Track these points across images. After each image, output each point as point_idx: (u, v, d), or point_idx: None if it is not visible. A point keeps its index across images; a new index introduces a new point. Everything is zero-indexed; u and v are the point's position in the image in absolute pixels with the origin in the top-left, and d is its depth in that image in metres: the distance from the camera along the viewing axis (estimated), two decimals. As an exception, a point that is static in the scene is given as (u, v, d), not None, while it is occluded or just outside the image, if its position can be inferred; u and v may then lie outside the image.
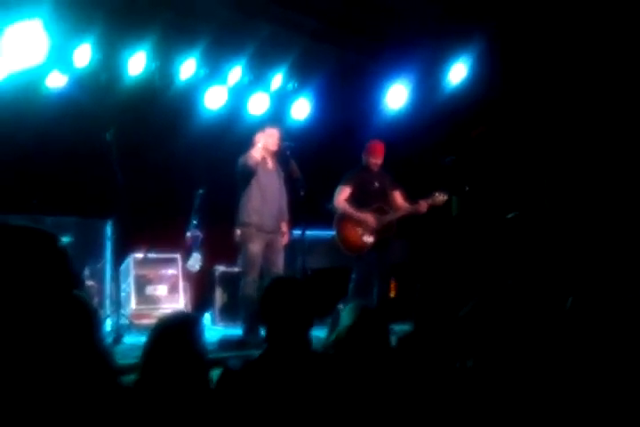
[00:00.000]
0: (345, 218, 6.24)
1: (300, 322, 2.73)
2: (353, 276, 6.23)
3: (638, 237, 5.96)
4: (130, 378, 2.99)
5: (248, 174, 5.71)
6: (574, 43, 6.44)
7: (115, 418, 2.14)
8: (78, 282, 2.94)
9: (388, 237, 6.25)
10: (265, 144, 5.72)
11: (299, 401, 2.51)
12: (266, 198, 5.79)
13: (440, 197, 6.14)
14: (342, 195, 6.27)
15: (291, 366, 2.62)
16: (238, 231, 5.78)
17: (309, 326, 2.79)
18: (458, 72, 7.29)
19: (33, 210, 5.83)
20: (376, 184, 6.31)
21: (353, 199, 6.27)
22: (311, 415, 2.50)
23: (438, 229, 7.43)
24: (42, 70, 6.50)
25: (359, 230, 6.20)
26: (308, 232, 6.13)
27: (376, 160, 6.30)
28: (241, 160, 5.72)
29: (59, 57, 6.46)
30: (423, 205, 6.15)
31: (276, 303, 2.76)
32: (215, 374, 2.89)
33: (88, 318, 2.18)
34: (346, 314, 2.98)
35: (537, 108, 6.96)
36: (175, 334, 2.55)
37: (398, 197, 6.36)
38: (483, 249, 6.65)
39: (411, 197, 6.26)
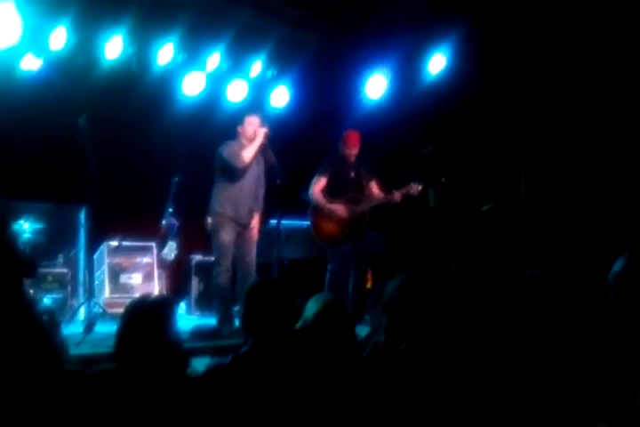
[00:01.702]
0: (318, 209, 6.22)
1: (285, 323, 2.76)
2: (328, 266, 6.22)
3: (615, 229, 6.00)
4: (102, 367, 2.97)
5: (233, 173, 5.66)
6: (554, 33, 6.43)
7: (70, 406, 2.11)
8: (31, 270, 2.87)
9: (362, 227, 6.21)
10: (253, 139, 5.65)
11: (286, 394, 2.51)
12: (243, 188, 5.74)
13: (415, 188, 6.12)
14: (318, 185, 6.24)
15: (279, 361, 2.63)
16: (210, 220, 5.74)
17: (294, 322, 2.80)
18: (437, 63, 7.25)
19: (5, 195, 5.74)
20: (352, 174, 6.29)
21: (328, 189, 6.25)
22: (298, 409, 2.49)
23: (416, 220, 7.43)
24: (16, 53, 6.38)
25: (331, 221, 6.17)
26: (285, 222, 6.13)
27: (351, 150, 6.26)
28: (227, 156, 5.64)
29: (33, 39, 6.34)
30: (397, 196, 6.14)
31: (260, 313, 2.76)
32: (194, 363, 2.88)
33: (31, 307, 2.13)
34: (311, 304, 2.97)
35: (516, 99, 6.96)
36: (148, 316, 2.53)
37: (374, 188, 6.34)
38: (459, 240, 6.65)
39: (388, 187, 6.24)
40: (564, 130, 6.67)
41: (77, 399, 2.35)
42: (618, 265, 1.95)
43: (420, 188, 6.11)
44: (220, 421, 2.49)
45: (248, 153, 5.61)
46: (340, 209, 6.17)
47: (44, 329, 2.55)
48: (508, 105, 7.01)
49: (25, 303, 2.41)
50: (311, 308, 2.92)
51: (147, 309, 2.58)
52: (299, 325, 2.90)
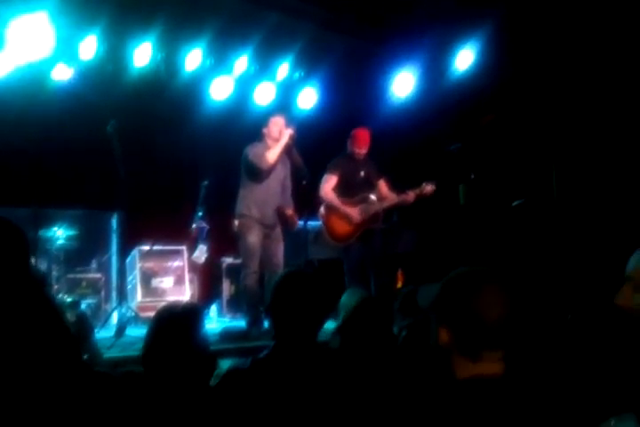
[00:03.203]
0: (331, 209, 6.14)
1: (312, 319, 2.66)
2: (345, 268, 6.16)
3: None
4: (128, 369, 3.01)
5: (258, 175, 5.68)
6: (582, 28, 6.31)
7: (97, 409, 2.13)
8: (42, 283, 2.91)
9: (375, 228, 6.15)
10: (278, 139, 5.67)
11: (307, 401, 2.47)
12: (269, 190, 5.76)
13: (428, 188, 6.04)
14: (328, 184, 6.13)
15: (299, 366, 2.56)
16: (236, 222, 5.76)
17: (321, 323, 2.75)
18: (465, 59, 7.19)
19: (39, 203, 5.87)
20: (361, 173, 6.19)
21: (338, 188, 6.16)
22: (319, 415, 2.46)
23: (446, 218, 7.35)
24: (48, 63, 6.51)
25: (345, 222, 6.09)
26: (312, 222, 6.12)
27: (360, 149, 6.15)
28: (251, 157, 5.66)
29: (64, 49, 6.48)
30: (411, 196, 6.06)
31: (289, 299, 2.66)
32: (223, 364, 2.88)
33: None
34: (345, 298, 2.93)
35: (545, 94, 6.84)
36: (176, 323, 2.52)
37: (383, 187, 6.25)
38: (490, 237, 6.57)
39: (414, 185, 6.17)
40: (594, 124, 6.53)
41: (102, 400, 2.38)
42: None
43: (434, 188, 6.02)
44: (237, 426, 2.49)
45: (272, 154, 5.62)
46: (353, 212, 6.07)
47: (70, 335, 2.59)
48: (536, 100, 6.89)
49: (50, 308, 2.44)
50: (347, 302, 2.89)
51: (175, 315, 2.58)
52: (340, 318, 2.86)
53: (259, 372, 2.60)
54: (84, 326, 3.80)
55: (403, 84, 7.55)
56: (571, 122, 6.71)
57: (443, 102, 7.35)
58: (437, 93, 7.41)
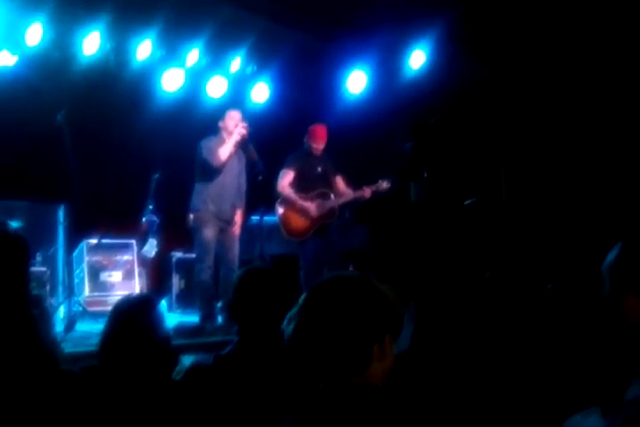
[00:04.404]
0: (287, 203, 6.14)
1: (274, 314, 2.62)
2: (300, 264, 6.15)
3: (595, 226, 6.03)
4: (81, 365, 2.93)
5: (211, 170, 5.63)
6: (536, 27, 6.44)
7: (64, 407, 2.07)
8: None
9: (331, 224, 6.17)
10: (230, 134, 5.62)
11: (274, 397, 2.45)
12: (224, 184, 5.71)
13: (384, 185, 6.11)
14: (286, 179, 6.13)
15: (266, 362, 2.54)
16: (192, 216, 5.69)
17: (282, 318, 2.72)
18: (418, 58, 7.26)
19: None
20: (319, 169, 6.21)
21: (295, 183, 6.16)
22: (285, 411, 2.44)
23: (398, 215, 7.42)
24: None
25: (301, 217, 6.10)
26: (267, 217, 6.10)
27: (318, 145, 6.17)
28: (205, 153, 5.61)
29: (8, 35, 6.28)
30: (367, 192, 6.12)
31: (251, 295, 2.66)
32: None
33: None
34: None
35: (496, 94, 6.97)
36: (136, 315, 2.47)
37: (340, 183, 6.28)
38: (441, 235, 6.66)
39: (368, 182, 6.21)
40: (545, 124, 6.69)
41: (70, 398, 2.32)
42: (612, 254, 1.94)
43: (389, 185, 6.09)
44: (201, 424, 2.45)
45: (224, 151, 5.58)
46: (310, 206, 6.08)
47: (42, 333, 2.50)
48: (488, 100, 7.02)
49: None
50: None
51: (134, 308, 2.54)
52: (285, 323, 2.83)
53: (224, 368, 2.57)
54: (47, 323, 3.68)
55: (356, 81, 7.56)
56: (519, 121, 6.86)
57: (396, 101, 7.41)
58: (391, 92, 7.46)
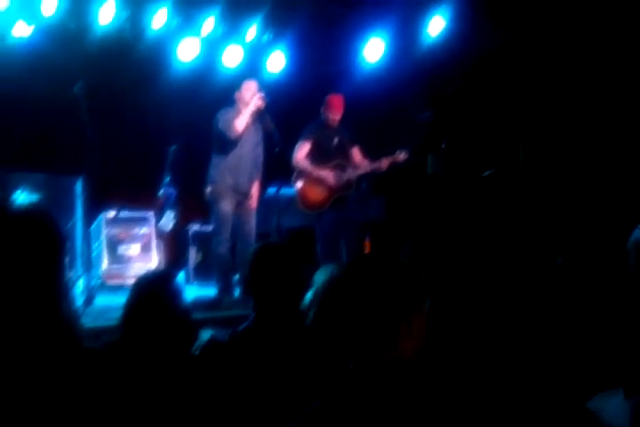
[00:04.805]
0: (304, 175, 6.08)
1: (289, 290, 2.66)
2: (317, 235, 6.12)
3: (613, 201, 5.94)
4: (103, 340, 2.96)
5: (227, 143, 5.59)
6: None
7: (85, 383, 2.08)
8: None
9: (348, 195, 6.12)
10: (247, 105, 5.57)
11: (290, 374, 2.47)
12: (242, 156, 5.69)
13: (401, 156, 6.02)
14: (302, 151, 6.06)
15: (282, 339, 2.56)
16: (209, 189, 5.68)
17: (297, 294, 2.73)
18: (436, 25, 7.10)
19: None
20: (335, 140, 6.12)
21: (312, 155, 6.09)
22: (300, 388, 2.46)
23: (415, 186, 7.35)
24: (6, 20, 6.26)
25: (318, 188, 6.05)
26: (283, 190, 6.08)
27: (335, 115, 6.09)
28: (221, 125, 5.57)
29: (24, 5, 6.23)
30: (384, 163, 6.02)
31: (266, 272, 2.67)
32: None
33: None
34: (319, 275, 2.90)
35: (516, 62, 6.82)
36: (155, 291, 2.52)
37: (357, 154, 6.20)
38: (459, 207, 6.59)
39: (383, 153, 6.14)
40: (566, 94, 6.55)
41: (95, 376, 2.34)
42: (638, 231, 1.91)
43: (407, 156, 6.00)
44: (217, 402, 2.48)
45: (240, 122, 5.53)
46: (328, 176, 6.03)
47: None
48: (508, 68, 6.87)
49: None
50: (320, 279, 2.87)
51: (154, 282, 2.59)
52: (308, 296, 2.84)
53: (240, 345, 2.59)
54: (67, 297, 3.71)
55: (373, 49, 7.43)
56: (542, 91, 6.72)
57: (414, 69, 7.28)
58: (408, 60, 7.33)
